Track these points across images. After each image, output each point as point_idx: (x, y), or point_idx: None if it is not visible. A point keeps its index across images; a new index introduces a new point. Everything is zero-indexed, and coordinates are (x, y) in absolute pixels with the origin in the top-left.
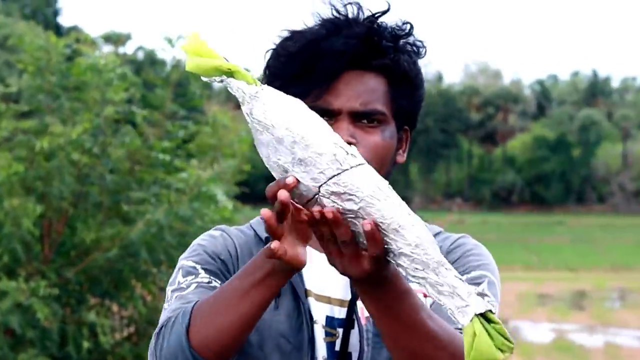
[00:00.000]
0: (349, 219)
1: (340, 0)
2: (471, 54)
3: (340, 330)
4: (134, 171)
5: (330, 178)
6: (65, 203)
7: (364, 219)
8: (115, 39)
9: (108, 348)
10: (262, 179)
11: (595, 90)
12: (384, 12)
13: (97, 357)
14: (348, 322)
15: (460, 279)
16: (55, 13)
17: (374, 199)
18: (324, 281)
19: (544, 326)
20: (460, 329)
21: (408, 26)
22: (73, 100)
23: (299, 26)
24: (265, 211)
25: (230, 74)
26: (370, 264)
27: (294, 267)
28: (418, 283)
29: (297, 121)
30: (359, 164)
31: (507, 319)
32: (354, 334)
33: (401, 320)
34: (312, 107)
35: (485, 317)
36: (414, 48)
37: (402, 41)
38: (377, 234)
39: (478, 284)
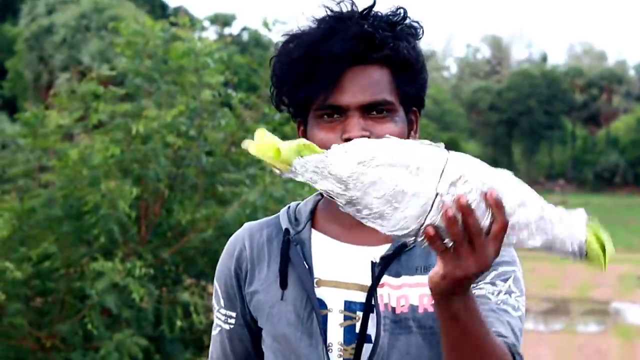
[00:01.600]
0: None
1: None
2: (575, 35)
3: (360, 314)
4: (230, 153)
5: (443, 171)
6: (161, 185)
7: (480, 194)
8: (221, 20)
9: (201, 328)
10: None
11: None
12: (372, 6)
13: (191, 336)
14: (367, 306)
15: (554, 207)
16: None
17: (482, 168)
18: (342, 268)
19: None
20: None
21: (402, 11)
22: (170, 83)
23: (297, 30)
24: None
25: (302, 150)
26: (496, 248)
27: None
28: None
29: (385, 142)
30: (449, 151)
31: (608, 300)
32: (373, 318)
33: (470, 337)
34: (322, 107)
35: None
36: (412, 30)
37: (398, 27)
38: (501, 202)
39: (505, 280)
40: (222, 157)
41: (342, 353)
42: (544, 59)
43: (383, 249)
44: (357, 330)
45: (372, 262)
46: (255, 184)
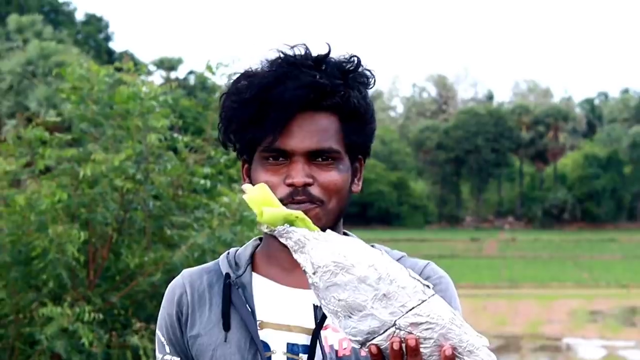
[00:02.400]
0: (420, 349)
1: (287, 44)
2: (521, 73)
3: (302, 356)
4: (177, 196)
5: (411, 309)
6: (109, 229)
7: (438, 345)
8: (167, 65)
9: None
10: None
11: None
12: (327, 55)
13: None
14: (312, 349)
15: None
16: (107, 38)
17: (453, 324)
18: (284, 311)
19: (595, 343)
20: None
21: (355, 59)
22: (116, 128)
23: (250, 70)
24: None
25: (294, 221)
26: None
27: None
28: None
29: (376, 258)
30: (434, 294)
31: (559, 336)
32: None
33: None
34: (268, 149)
35: None
36: (363, 79)
37: (350, 76)
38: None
39: None
40: (169, 201)
41: None
42: (490, 97)
43: None
44: None
45: (314, 305)
46: (203, 227)
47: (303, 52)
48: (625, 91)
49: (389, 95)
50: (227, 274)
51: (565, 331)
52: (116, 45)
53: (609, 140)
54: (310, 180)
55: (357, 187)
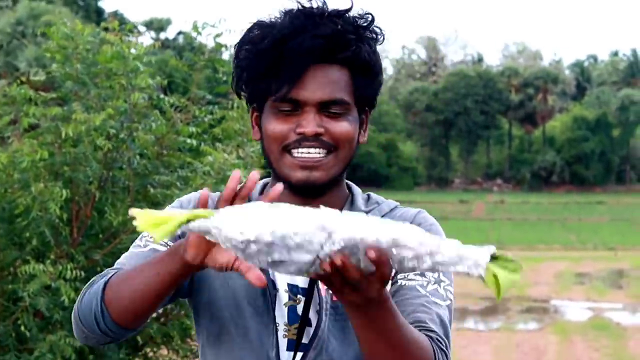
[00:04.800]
0: (352, 260)
1: None
2: (510, 35)
3: (301, 298)
4: (162, 156)
5: (324, 244)
6: (92, 187)
7: (364, 251)
8: (157, 25)
9: None
10: None
11: (635, 70)
12: (347, 10)
13: None
14: (310, 291)
15: (458, 243)
16: None
17: (366, 232)
18: None
19: (581, 305)
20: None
21: (370, 17)
22: (101, 87)
23: (266, 20)
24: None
25: (189, 220)
26: (381, 286)
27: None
28: (424, 273)
29: (275, 220)
30: (340, 215)
31: (546, 298)
32: (315, 302)
33: (386, 339)
34: (281, 99)
35: (491, 257)
36: (374, 35)
37: (362, 31)
38: (383, 257)
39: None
40: (153, 160)
41: (286, 333)
42: (480, 59)
43: None
44: (299, 312)
45: None
46: (187, 186)
47: (320, 5)
48: (615, 54)
49: None
50: None
51: (552, 293)
52: (106, 5)
53: (597, 103)
54: (321, 130)
55: (363, 138)
